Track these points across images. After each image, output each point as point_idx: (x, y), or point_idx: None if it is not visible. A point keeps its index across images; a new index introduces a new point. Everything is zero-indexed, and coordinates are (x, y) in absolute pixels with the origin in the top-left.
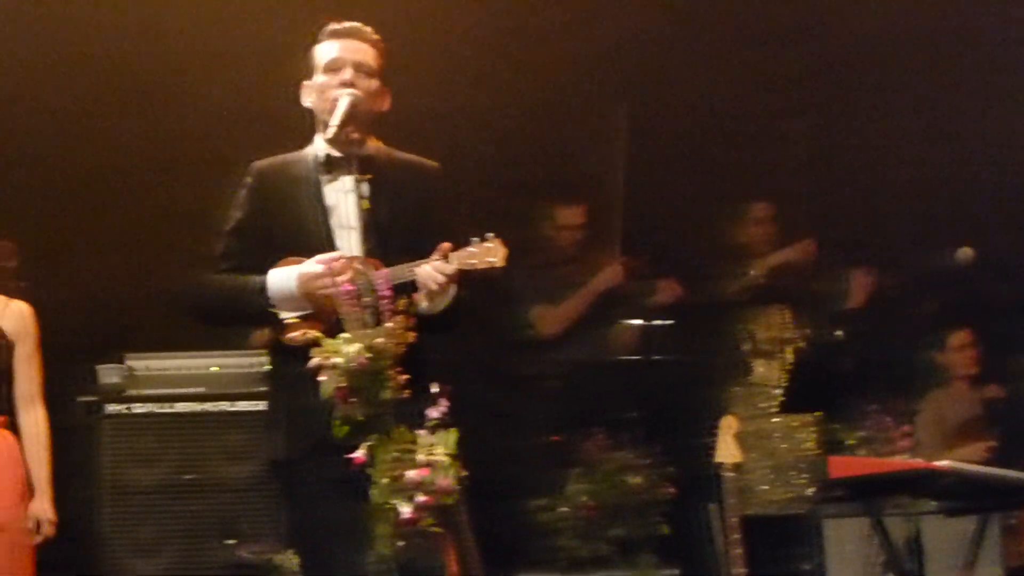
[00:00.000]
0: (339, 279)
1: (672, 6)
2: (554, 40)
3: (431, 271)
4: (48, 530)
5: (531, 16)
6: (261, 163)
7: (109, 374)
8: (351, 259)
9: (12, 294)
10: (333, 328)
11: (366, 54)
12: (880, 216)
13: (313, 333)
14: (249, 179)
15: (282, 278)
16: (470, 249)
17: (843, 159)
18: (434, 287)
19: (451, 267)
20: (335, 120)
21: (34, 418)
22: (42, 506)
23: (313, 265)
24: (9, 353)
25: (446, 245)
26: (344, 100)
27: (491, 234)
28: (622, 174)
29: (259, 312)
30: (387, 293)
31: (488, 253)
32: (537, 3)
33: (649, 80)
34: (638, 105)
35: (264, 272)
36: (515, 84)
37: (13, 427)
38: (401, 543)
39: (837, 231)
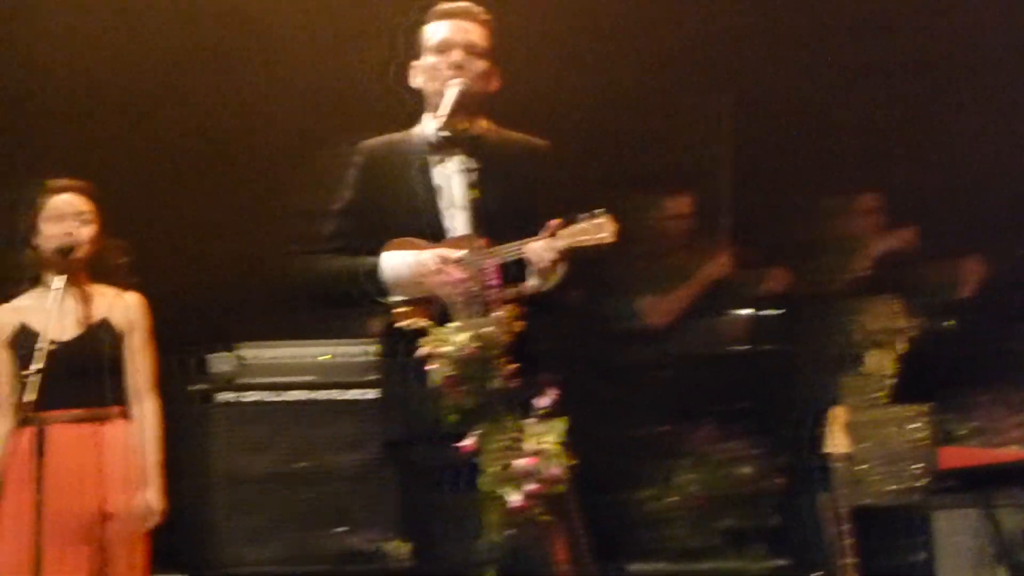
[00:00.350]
0: (450, 269)
1: None
2: (663, 28)
3: (541, 248)
4: (154, 520)
5: (644, 2)
6: (369, 142)
7: (220, 363)
8: (462, 239)
9: (125, 286)
10: (441, 315)
11: (475, 34)
12: (989, 203)
13: (422, 321)
14: (358, 158)
15: (396, 264)
16: (580, 225)
17: (949, 147)
18: (544, 264)
19: (561, 243)
20: (444, 110)
21: (146, 409)
22: (151, 496)
23: (430, 255)
24: (119, 344)
25: (555, 222)
26: (453, 91)
27: (600, 210)
28: (729, 164)
29: (368, 295)
30: (496, 282)
31: (598, 229)
32: None
33: (757, 69)
34: (746, 94)
35: (371, 253)
36: (623, 71)
37: (127, 417)
38: (510, 531)
39: (946, 219)
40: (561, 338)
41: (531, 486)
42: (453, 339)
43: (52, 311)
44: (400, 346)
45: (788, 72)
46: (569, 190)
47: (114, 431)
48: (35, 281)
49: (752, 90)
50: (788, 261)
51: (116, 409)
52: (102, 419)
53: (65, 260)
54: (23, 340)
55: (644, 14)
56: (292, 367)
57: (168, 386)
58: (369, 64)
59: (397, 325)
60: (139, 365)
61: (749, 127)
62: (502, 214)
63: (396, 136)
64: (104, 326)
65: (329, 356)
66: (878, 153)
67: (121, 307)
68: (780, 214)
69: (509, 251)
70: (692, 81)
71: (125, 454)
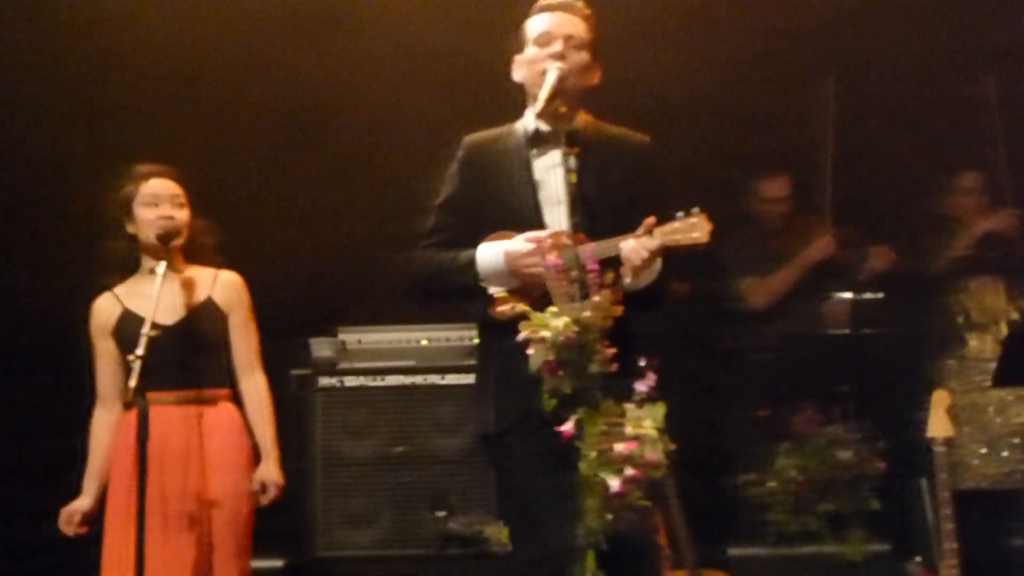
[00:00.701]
0: (547, 255)
1: None
2: (762, 10)
3: (635, 246)
4: (275, 493)
5: None
6: (472, 137)
7: (322, 347)
8: (558, 234)
9: (220, 266)
10: (540, 302)
11: (576, 27)
12: None
13: (521, 307)
14: (461, 153)
15: (490, 254)
16: (674, 224)
17: None
18: (638, 262)
19: (655, 242)
20: (543, 93)
21: (254, 384)
22: (269, 469)
23: (521, 242)
24: (223, 324)
25: (651, 220)
26: (552, 73)
27: (696, 209)
28: (831, 146)
29: (469, 287)
30: (594, 267)
31: (693, 228)
32: None
33: (858, 49)
34: (847, 75)
35: (474, 246)
36: (724, 55)
37: (235, 399)
38: (610, 516)
39: None
40: (661, 321)
41: (630, 471)
42: (552, 324)
43: (154, 296)
44: (498, 331)
45: (889, 51)
46: (672, 173)
47: (219, 413)
48: (132, 268)
49: (854, 69)
50: (890, 242)
51: (222, 391)
52: (207, 401)
53: (166, 245)
54: (127, 327)
55: None
56: (392, 352)
57: (270, 370)
58: (480, 54)
59: (498, 313)
60: (244, 343)
61: (851, 107)
62: (600, 207)
63: (499, 130)
64: (208, 307)
65: (426, 341)
66: (981, 133)
67: (221, 286)
68: (882, 196)
69: (604, 249)
70: (794, 61)
71: (230, 437)
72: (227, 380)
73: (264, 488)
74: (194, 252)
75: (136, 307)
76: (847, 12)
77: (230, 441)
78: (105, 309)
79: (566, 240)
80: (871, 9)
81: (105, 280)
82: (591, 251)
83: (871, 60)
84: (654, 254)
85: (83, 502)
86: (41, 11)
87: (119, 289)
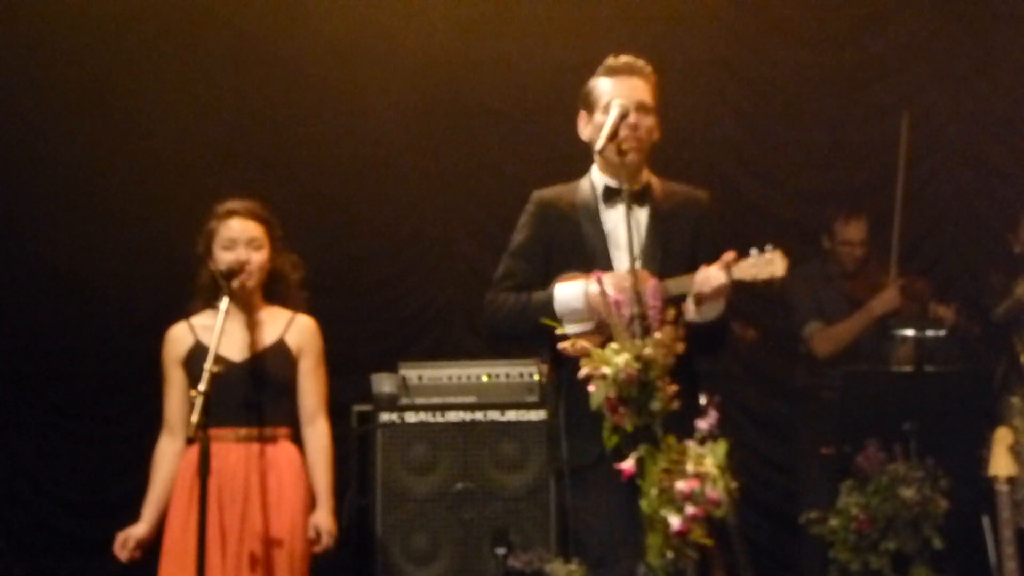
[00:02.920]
0: (613, 291)
1: (952, 11)
2: (834, 47)
3: (711, 275)
4: (327, 541)
5: (812, 23)
6: (542, 192)
7: (383, 383)
8: (629, 273)
9: (298, 307)
10: (610, 342)
11: (643, 92)
12: None
13: (584, 343)
14: (531, 207)
15: (570, 293)
16: (752, 260)
17: None
18: (707, 291)
19: (725, 276)
20: (606, 131)
21: (318, 430)
22: (323, 517)
23: (604, 282)
24: (293, 367)
25: (730, 254)
26: (615, 109)
27: (770, 246)
28: (903, 186)
29: (543, 325)
30: (656, 303)
31: (769, 264)
32: (817, 9)
33: (932, 88)
34: (921, 114)
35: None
36: (796, 93)
37: (297, 439)
38: (672, 554)
39: None
40: (726, 357)
41: (692, 509)
42: (613, 360)
43: (216, 332)
44: (566, 368)
45: (963, 89)
46: (747, 210)
47: (279, 452)
48: (210, 301)
49: (928, 108)
50: (957, 283)
51: (284, 430)
52: (270, 439)
53: (230, 284)
54: (198, 359)
55: (817, 33)
56: (453, 388)
57: (333, 405)
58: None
59: (562, 348)
60: (311, 387)
61: (924, 145)
62: (667, 259)
63: (567, 187)
64: (279, 348)
65: (487, 378)
66: None
67: (295, 330)
68: (951, 234)
69: (679, 284)
70: (867, 99)
71: (291, 477)
72: (290, 420)
73: (318, 536)
74: (275, 292)
75: (208, 340)
76: (921, 47)
77: (290, 480)
78: (179, 338)
79: (634, 278)
80: (946, 43)
81: (190, 309)
82: (655, 287)
83: (942, 98)
84: (726, 288)
85: (140, 528)
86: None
87: (196, 320)
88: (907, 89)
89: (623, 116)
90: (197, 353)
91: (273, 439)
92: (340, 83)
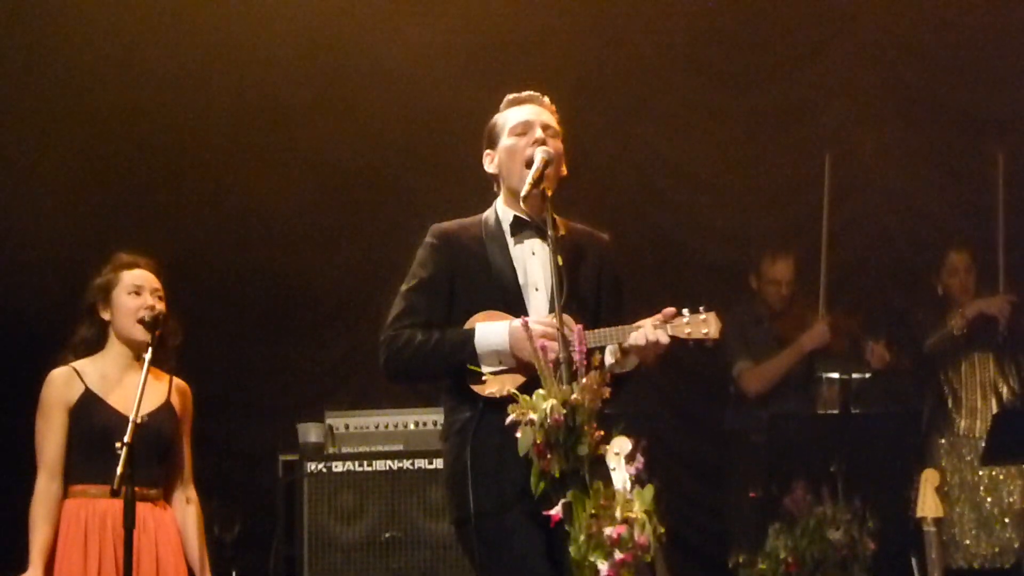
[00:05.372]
0: (538, 339)
1: (872, 54)
2: (757, 89)
3: (649, 334)
4: None
5: (735, 65)
6: (442, 225)
7: (309, 432)
8: (557, 313)
9: (172, 372)
10: (531, 384)
11: (549, 117)
12: None
13: (510, 388)
14: (432, 240)
15: (493, 333)
16: (686, 319)
17: None
18: (643, 344)
19: (664, 335)
20: (531, 177)
21: (192, 495)
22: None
23: (532, 322)
24: (178, 428)
25: (670, 310)
26: (539, 155)
27: (702, 308)
28: (827, 226)
29: (459, 365)
30: (583, 348)
31: (703, 325)
32: (740, 51)
33: (855, 129)
34: (844, 155)
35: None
36: (720, 134)
37: (166, 503)
38: None
39: None
40: (654, 400)
41: (620, 555)
42: (541, 406)
43: (140, 384)
44: (473, 414)
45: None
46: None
47: (167, 514)
48: (92, 348)
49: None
50: (883, 322)
51: (162, 492)
52: (155, 499)
53: (152, 332)
54: (87, 407)
55: (737, 74)
56: (379, 436)
57: (259, 455)
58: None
59: (489, 394)
60: (188, 452)
61: (847, 186)
62: (575, 293)
63: (468, 220)
64: (167, 408)
65: (413, 425)
66: (974, 211)
67: (177, 392)
68: (877, 274)
69: (613, 335)
70: (789, 140)
71: (176, 539)
72: (164, 482)
73: None
74: (157, 353)
75: (98, 389)
76: (839, 89)
77: (177, 543)
78: (67, 382)
79: (570, 326)
80: (864, 83)
81: (64, 358)
82: (595, 337)
83: (865, 139)
84: (664, 347)
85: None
86: None
87: (79, 365)
88: (830, 130)
89: (546, 164)
90: (87, 401)
91: (157, 500)
92: (254, 133)
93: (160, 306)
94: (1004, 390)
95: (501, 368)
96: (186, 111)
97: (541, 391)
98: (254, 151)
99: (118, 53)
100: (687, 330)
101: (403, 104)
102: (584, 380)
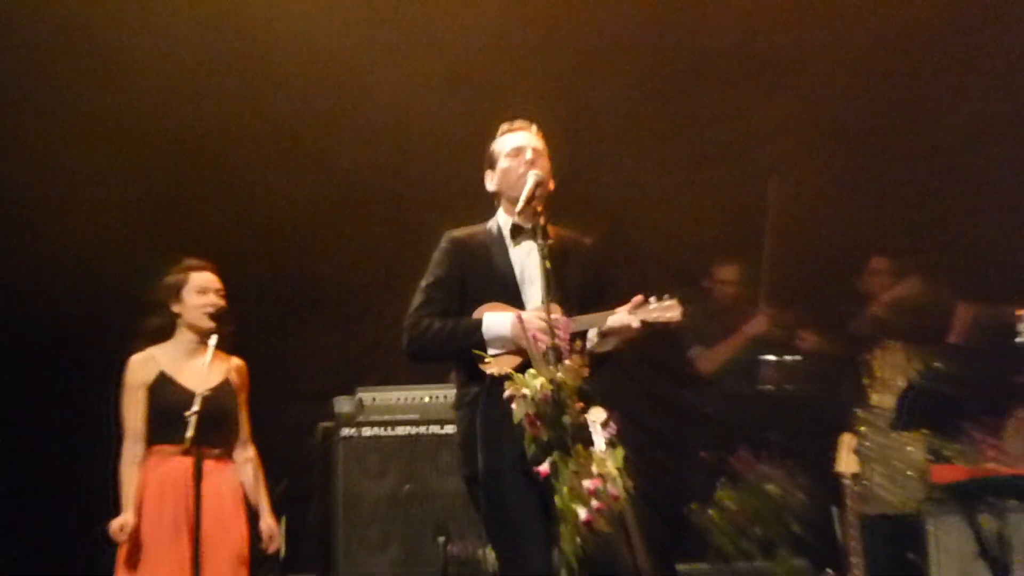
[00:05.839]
0: (532, 327)
1: (809, 96)
2: (714, 124)
3: (626, 318)
4: (278, 542)
5: (691, 103)
6: (454, 232)
7: (343, 404)
8: (546, 307)
9: (230, 353)
10: (528, 365)
11: (538, 142)
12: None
13: (507, 368)
14: (446, 244)
15: (499, 321)
16: (653, 305)
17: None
18: (618, 328)
19: (640, 317)
20: (524, 195)
21: (252, 454)
22: (269, 522)
23: (528, 315)
24: (235, 401)
25: (638, 298)
26: (531, 179)
27: (668, 295)
28: (770, 238)
29: (470, 348)
30: (567, 336)
31: (668, 310)
32: (695, 91)
33: (797, 156)
34: (783, 178)
35: (461, 317)
36: (684, 160)
37: (229, 460)
38: (580, 541)
39: (953, 277)
40: (625, 382)
41: (596, 503)
42: (532, 383)
43: (205, 365)
44: (482, 388)
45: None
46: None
47: (227, 468)
48: (163, 336)
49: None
50: (815, 314)
51: (224, 451)
52: (219, 458)
53: (216, 326)
54: (163, 385)
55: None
56: (401, 407)
57: (302, 424)
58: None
59: (491, 371)
60: (246, 419)
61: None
62: (564, 288)
63: (476, 227)
64: (227, 384)
65: (428, 398)
66: (885, 224)
67: (235, 371)
68: (813, 275)
69: (593, 320)
70: (745, 165)
71: (239, 490)
72: (229, 443)
73: (271, 536)
74: (220, 339)
75: (172, 371)
76: (784, 123)
77: (239, 493)
78: (144, 365)
79: (552, 314)
80: (804, 120)
81: (138, 345)
82: (566, 323)
83: (803, 164)
84: (636, 330)
85: (130, 518)
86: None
87: (153, 351)
88: (774, 158)
89: (537, 185)
90: (161, 380)
91: (222, 458)
92: (296, 119)
93: (223, 303)
94: (910, 371)
95: (503, 351)
96: (228, 130)
97: (533, 371)
98: (284, 163)
99: (160, 79)
100: (655, 314)
101: (411, 122)
102: (567, 362)
